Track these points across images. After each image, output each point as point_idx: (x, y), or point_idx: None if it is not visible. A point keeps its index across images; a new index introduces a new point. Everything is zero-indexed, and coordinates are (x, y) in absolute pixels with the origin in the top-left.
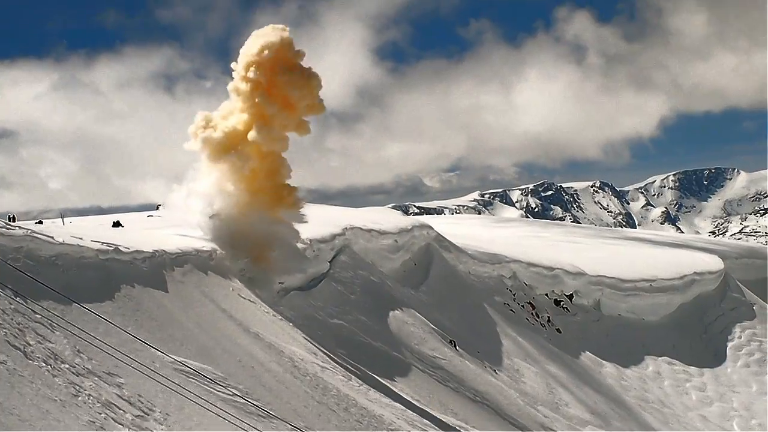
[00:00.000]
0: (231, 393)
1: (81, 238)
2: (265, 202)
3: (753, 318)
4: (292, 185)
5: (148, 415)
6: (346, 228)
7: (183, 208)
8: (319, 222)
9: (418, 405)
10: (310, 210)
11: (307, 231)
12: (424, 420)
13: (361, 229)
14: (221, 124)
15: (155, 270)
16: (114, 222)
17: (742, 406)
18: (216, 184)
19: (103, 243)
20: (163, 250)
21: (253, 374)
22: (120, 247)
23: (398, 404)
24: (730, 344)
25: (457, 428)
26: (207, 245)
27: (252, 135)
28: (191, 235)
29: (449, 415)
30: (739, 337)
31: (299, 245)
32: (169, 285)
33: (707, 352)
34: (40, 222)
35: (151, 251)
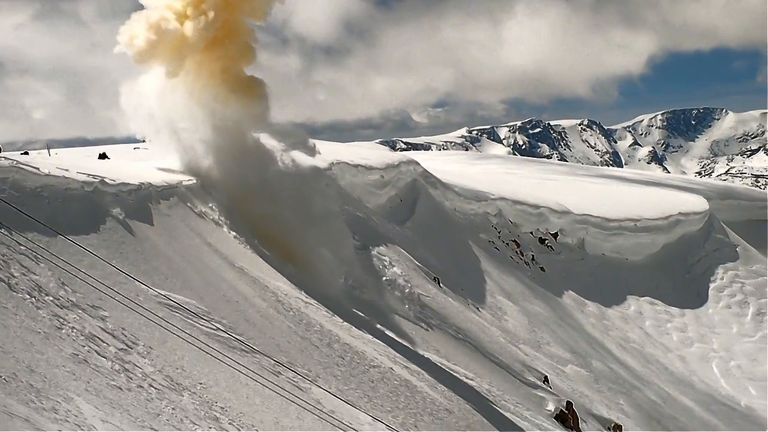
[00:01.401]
0: (214, 327)
1: (67, 170)
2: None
3: (736, 259)
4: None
5: (131, 348)
6: (332, 163)
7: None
8: (306, 156)
9: (401, 342)
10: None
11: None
12: (406, 356)
13: (347, 164)
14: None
15: (141, 203)
16: (100, 154)
17: (722, 347)
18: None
19: (88, 175)
20: (149, 183)
21: (237, 309)
22: (106, 180)
23: (380, 341)
24: (712, 285)
25: (439, 365)
26: (192, 178)
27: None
28: (167, 168)
29: (431, 351)
30: (722, 279)
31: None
32: (155, 218)
33: (689, 292)
34: (26, 153)
35: (137, 184)
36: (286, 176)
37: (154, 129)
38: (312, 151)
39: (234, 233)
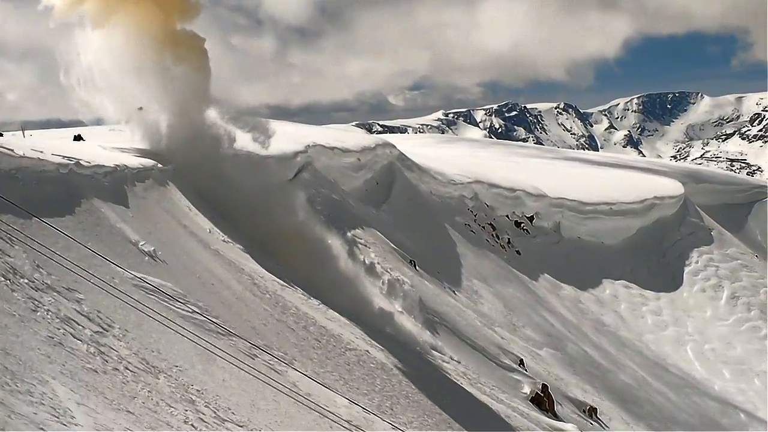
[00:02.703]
0: (190, 310)
1: (42, 152)
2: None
3: (711, 243)
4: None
5: (107, 331)
6: (308, 145)
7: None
8: (280, 139)
9: (377, 325)
10: (273, 126)
11: (269, 147)
12: (382, 340)
13: (323, 146)
14: None
15: (116, 185)
16: (75, 136)
17: (696, 330)
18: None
19: (63, 157)
20: (125, 165)
21: (212, 291)
22: (81, 161)
23: (357, 324)
24: (687, 269)
25: (416, 348)
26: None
27: None
28: (122, 147)
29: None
30: (696, 262)
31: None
32: (130, 200)
33: (664, 276)
34: (0, 135)
35: (112, 166)
36: (239, 163)
37: (95, 103)
38: (264, 139)
39: (204, 216)
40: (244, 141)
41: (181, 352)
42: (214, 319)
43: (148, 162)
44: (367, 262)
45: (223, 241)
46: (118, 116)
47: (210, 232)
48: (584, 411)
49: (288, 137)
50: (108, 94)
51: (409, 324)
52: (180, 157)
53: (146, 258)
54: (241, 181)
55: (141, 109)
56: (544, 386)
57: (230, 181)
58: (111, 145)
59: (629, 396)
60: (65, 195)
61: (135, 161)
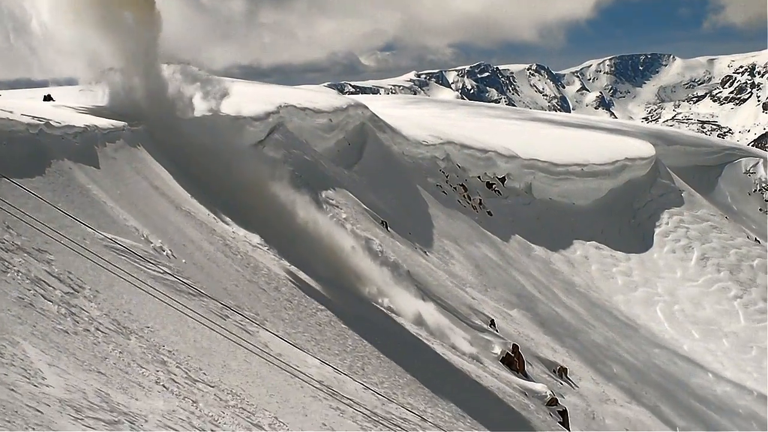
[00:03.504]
0: (161, 271)
1: (11, 112)
2: None
3: (681, 204)
4: None
5: (77, 292)
6: (280, 106)
7: None
8: (252, 99)
9: (348, 286)
10: (244, 87)
11: (241, 108)
12: (354, 300)
13: (295, 107)
14: None
15: (87, 145)
16: (45, 96)
17: (666, 291)
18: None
19: (33, 117)
20: (95, 125)
21: (184, 252)
22: (51, 122)
23: (329, 285)
24: (657, 230)
25: (386, 309)
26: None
27: None
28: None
29: (379, 296)
30: (667, 223)
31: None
32: (101, 161)
33: (635, 237)
34: None
35: (82, 126)
36: (207, 124)
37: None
38: (217, 97)
39: (175, 177)
40: (213, 102)
41: (152, 313)
42: (185, 280)
43: (119, 123)
44: (339, 222)
45: (195, 202)
46: (83, 76)
47: (182, 194)
48: (554, 371)
49: (260, 98)
50: (65, 53)
51: (381, 283)
52: (147, 117)
53: (119, 220)
54: (212, 143)
55: (111, 69)
56: (515, 347)
57: (201, 142)
58: (81, 106)
59: (599, 356)
60: (35, 155)
61: (105, 122)
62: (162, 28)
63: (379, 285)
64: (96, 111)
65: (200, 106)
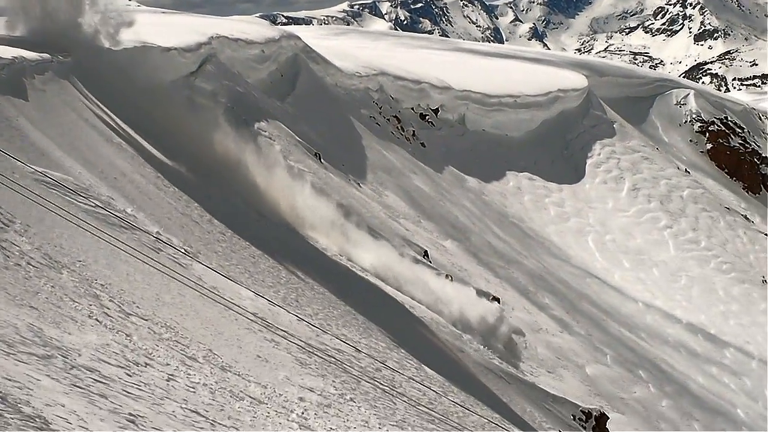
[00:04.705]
0: (93, 204)
1: None
2: None
3: (613, 136)
4: None
5: (8, 226)
6: (212, 37)
7: None
8: (183, 30)
9: (281, 218)
10: (174, 18)
11: (172, 39)
12: (286, 232)
13: (227, 38)
14: None
15: (14, 77)
16: None
17: (597, 221)
18: None
19: None
20: (23, 57)
21: (115, 185)
22: None
23: (262, 217)
24: (589, 161)
25: (319, 243)
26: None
27: None
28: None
29: (310, 230)
30: (599, 155)
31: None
32: (30, 93)
33: (567, 168)
34: None
35: (9, 58)
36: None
37: None
38: (114, 27)
39: (106, 109)
40: (143, 34)
41: (84, 246)
42: (117, 213)
43: (47, 55)
44: (274, 155)
45: (126, 134)
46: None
47: (114, 126)
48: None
49: (191, 29)
50: None
51: (315, 218)
52: (70, 47)
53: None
54: (141, 74)
55: None
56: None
57: (128, 74)
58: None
59: (531, 286)
60: None
61: (33, 54)
62: None
63: (313, 221)
64: (18, 41)
65: (128, 36)
